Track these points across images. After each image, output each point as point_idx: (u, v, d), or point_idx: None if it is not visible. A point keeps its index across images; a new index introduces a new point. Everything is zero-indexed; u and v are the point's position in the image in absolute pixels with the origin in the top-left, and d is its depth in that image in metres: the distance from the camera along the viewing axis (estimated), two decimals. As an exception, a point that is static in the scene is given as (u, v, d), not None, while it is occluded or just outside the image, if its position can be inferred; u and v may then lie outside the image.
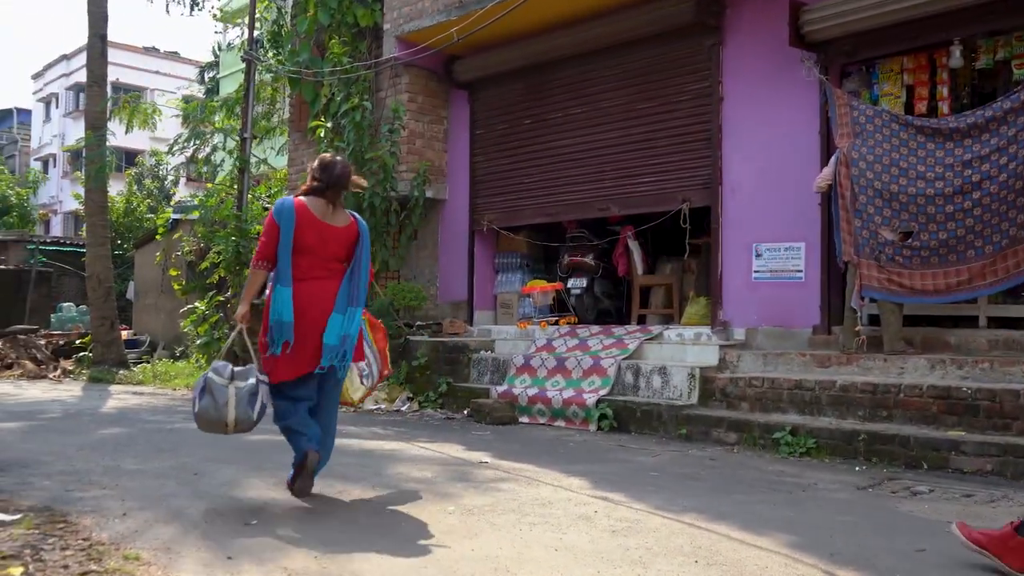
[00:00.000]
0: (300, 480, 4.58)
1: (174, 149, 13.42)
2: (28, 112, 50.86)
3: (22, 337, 14.94)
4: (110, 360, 14.58)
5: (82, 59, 14.37)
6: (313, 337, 4.53)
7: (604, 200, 9.49)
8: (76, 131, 32.70)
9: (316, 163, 4.76)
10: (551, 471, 5.65)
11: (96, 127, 13.55)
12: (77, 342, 15.41)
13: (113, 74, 16.04)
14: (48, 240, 25.62)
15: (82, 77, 15.37)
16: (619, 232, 9.94)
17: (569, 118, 9.84)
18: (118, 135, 26.59)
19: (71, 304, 20.86)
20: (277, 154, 14.41)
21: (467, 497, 4.74)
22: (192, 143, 13.29)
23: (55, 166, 44.25)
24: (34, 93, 48.68)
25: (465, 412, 8.86)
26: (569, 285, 10.08)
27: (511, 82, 10.42)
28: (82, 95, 44.37)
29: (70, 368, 14.08)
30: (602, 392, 8.06)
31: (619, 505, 4.62)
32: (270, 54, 11.95)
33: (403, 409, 9.37)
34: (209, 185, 14.06)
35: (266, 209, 13.67)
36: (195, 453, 6.09)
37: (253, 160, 12.78)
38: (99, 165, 13.04)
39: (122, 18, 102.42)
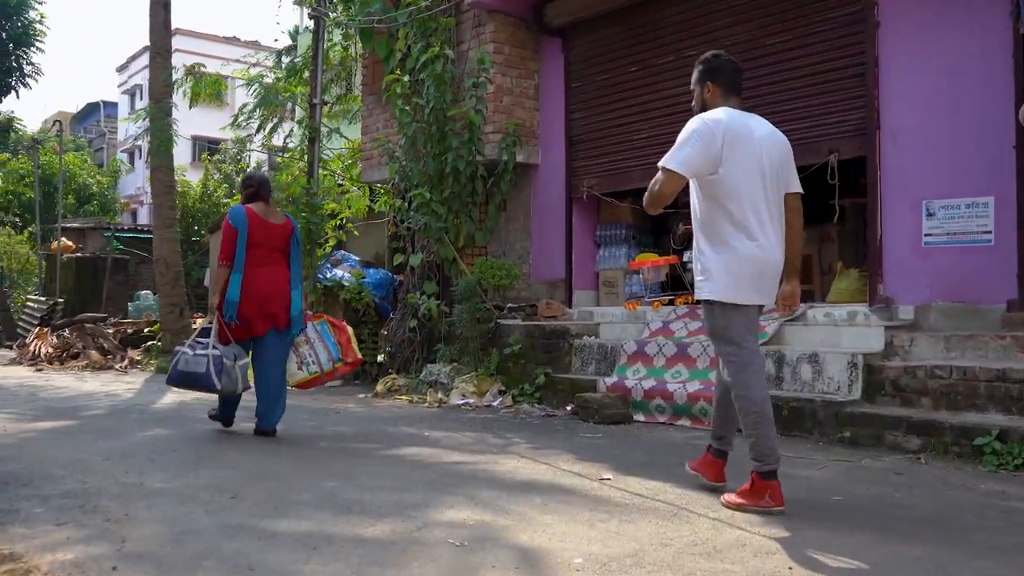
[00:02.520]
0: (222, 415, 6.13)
1: (240, 120, 12.37)
2: (114, 105, 51.29)
3: (89, 326, 14.15)
4: (180, 349, 13.67)
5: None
6: (263, 308, 5.78)
7: (728, 156, 7.99)
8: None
9: (241, 179, 6.34)
10: (697, 493, 4.26)
11: (159, 100, 12.59)
12: (146, 330, 14.57)
13: (194, 63, 15.11)
14: (126, 227, 25.19)
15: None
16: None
17: (683, 61, 8.34)
18: (201, 126, 26.00)
19: (148, 292, 20.18)
20: (350, 123, 13.23)
21: (595, 542, 3.37)
22: (258, 113, 12.19)
23: (140, 157, 44.35)
24: (119, 86, 49.02)
25: (568, 408, 7.52)
26: (686, 258, 8.61)
27: (612, 24, 8.98)
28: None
29: (137, 358, 13.20)
30: (736, 385, 6.60)
31: (820, 555, 3.19)
32: (339, 8, 10.74)
33: (495, 404, 8.07)
34: (280, 160, 12.97)
35: (340, 185, 12.55)
36: (240, 464, 4.88)
37: (324, 130, 11.61)
38: (162, 139, 12.06)
39: (203, 9, 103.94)
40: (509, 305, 9.12)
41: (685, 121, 8.28)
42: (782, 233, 4.06)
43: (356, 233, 12.62)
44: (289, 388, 6.20)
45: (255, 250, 5.74)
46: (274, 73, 12.00)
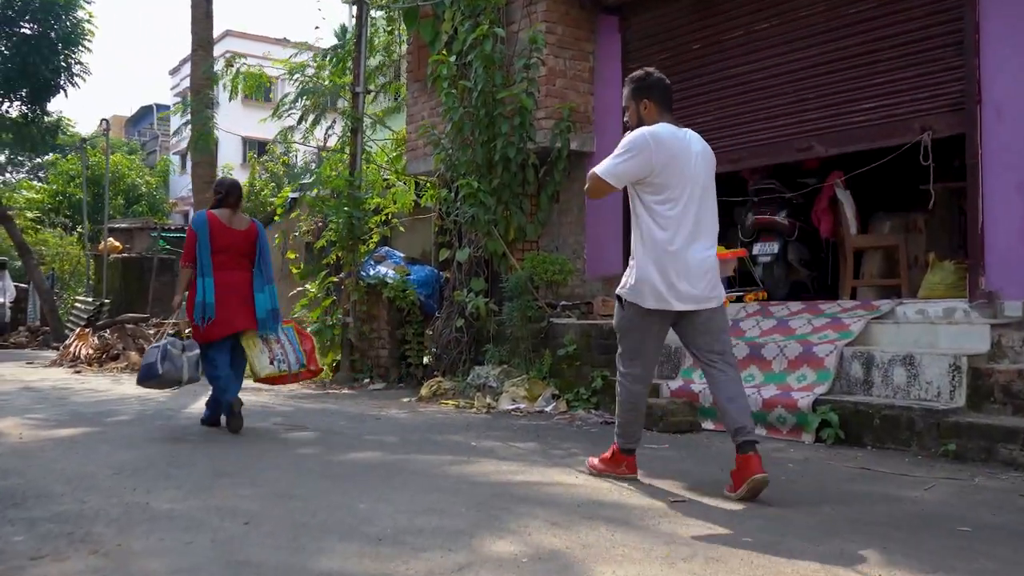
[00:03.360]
0: (232, 422, 5.95)
1: (280, 111, 11.90)
2: (167, 107, 51.55)
3: (130, 327, 13.77)
4: (223, 350, 13.27)
5: (217, 54, 13.29)
6: (230, 311, 5.97)
7: (805, 137, 7.27)
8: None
9: (214, 185, 6.63)
10: (792, 516, 3.59)
11: (199, 92, 12.18)
12: (187, 331, 14.17)
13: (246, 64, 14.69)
14: (172, 227, 25.05)
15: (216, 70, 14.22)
16: (817, 182, 7.71)
17: (753, 36, 7.66)
18: (252, 127, 25.71)
19: (194, 292, 19.90)
20: (395, 110, 12.69)
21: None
22: (300, 103, 11.69)
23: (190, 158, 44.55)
24: (171, 88, 49.29)
25: (628, 415, 6.86)
26: (755, 251, 7.91)
27: (674, -1, 8.32)
28: (216, 87, 44.89)
29: (178, 359, 12.75)
30: (819, 390, 5.91)
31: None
32: (382, -11, 10.20)
33: (548, 410, 7.45)
34: (324, 153, 12.48)
35: (385, 180, 12.03)
36: (262, 480, 4.32)
37: (368, 121, 11.09)
38: (201, 132, 11.65)
39: (253, 11, 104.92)
40: (562, 303, 8.49)
41: (755, 101, 7.57)
42: (712, 241, 4.27)
43: (402, 229, 12.09)
44: (255, 382, 6.48)
45: (219, 255, 6.01)
46: (315, 61, 11.48)
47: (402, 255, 11.20)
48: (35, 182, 36.80)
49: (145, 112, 54.92)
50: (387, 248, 11.38)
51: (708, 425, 6.32)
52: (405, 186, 12.09)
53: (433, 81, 9.34)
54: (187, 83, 44.84)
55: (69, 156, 31.35)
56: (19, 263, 24.14)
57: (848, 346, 6.10)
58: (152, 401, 8.36)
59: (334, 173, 11.07)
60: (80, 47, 21.53)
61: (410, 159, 10.75)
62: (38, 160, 36.82)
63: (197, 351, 5.99)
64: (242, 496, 3.94)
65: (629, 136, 4.20)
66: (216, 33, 14.43)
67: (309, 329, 10.91)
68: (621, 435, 4.43)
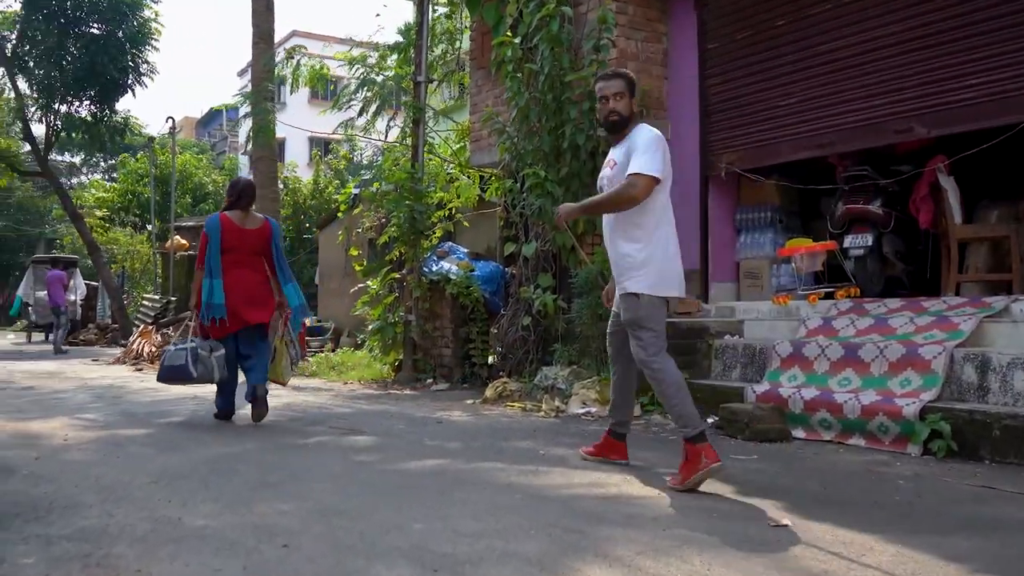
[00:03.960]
0: (256, 411, 6.21)
1: (340, 103, 11.57)
2: (236, 109, 52.20)
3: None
4: (283, 349, 13.02)
5: (280, 53, 13.07)
6: (239, 306, 6.10)
7: (904, 118, 6.64)
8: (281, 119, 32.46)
9: (228, 186, 6.71)
10: (917, 551, 3.04)
11: (260, 85, 11.94)
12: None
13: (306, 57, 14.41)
14: (238, 225, 25.06)
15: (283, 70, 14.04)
16: (913, 168, 7.06)
17: (844, 8, 7.04)
18: (318, 125, 25.66)
19: (260, 290, 19.81)
20: (459, 98, 12.24)
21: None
22: (361, 94, 11.34)
23: (259, 157, 44.88)
24: (239, 90, 49.79)
25: (710, 421, 6.33)
26: (846, 244, 7.29)
27: (756, -27, 7.74)
28: (283, 87, 45.29)
29: (240, 357, 12.54)
30: (926, 396, 5.29)
31: None
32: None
33: (619, 414, 6.94)
34: (385, 145, 12.12)
35: (449, 173, 11.63)
36: (309, 493, 3.91)
37: (430, 112, 10.68)
38: (261, 126, 11.39)
39: (319, 12, 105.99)
40: (635, 300, 7.96)
41: (847, 80, 6.91)
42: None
43: (466, 224, 11.69)
44: (278, 382, 6.69)
45: (229, 254, 6.16)
46: (377, 51, 11.12)
47: (466, 251, 10.79)
48: (107, 182, 37.42)
49: (214, 114, 55.64)
50: (450, 243, 10.98)
51: (799, 433, 5.75)
52: (469, 180, 11.68)
53: (497, 67, 8.89)
54: (255, 83, 45.35)
55: (139, 155, 31.74)
56: (90, 262, 24.40)
57: (958, 347, 5.47)
58: (207, 402, 8.06)
59: (395, 166, 10.72)
60: (147, 46, 21.68)
61: (474, 150, 10.33)
62: (112, 162, 37.46)
63: (223, 351, 6.21)
64: (283, 512, 3.53)
65: (650, 135, 4.33)
66: (283, 34, 14.27)
67: (370, 327, 10.61)
68: (690, 420, 4.20)
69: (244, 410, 6.57)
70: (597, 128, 8.02)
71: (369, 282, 10.78)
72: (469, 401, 8.11)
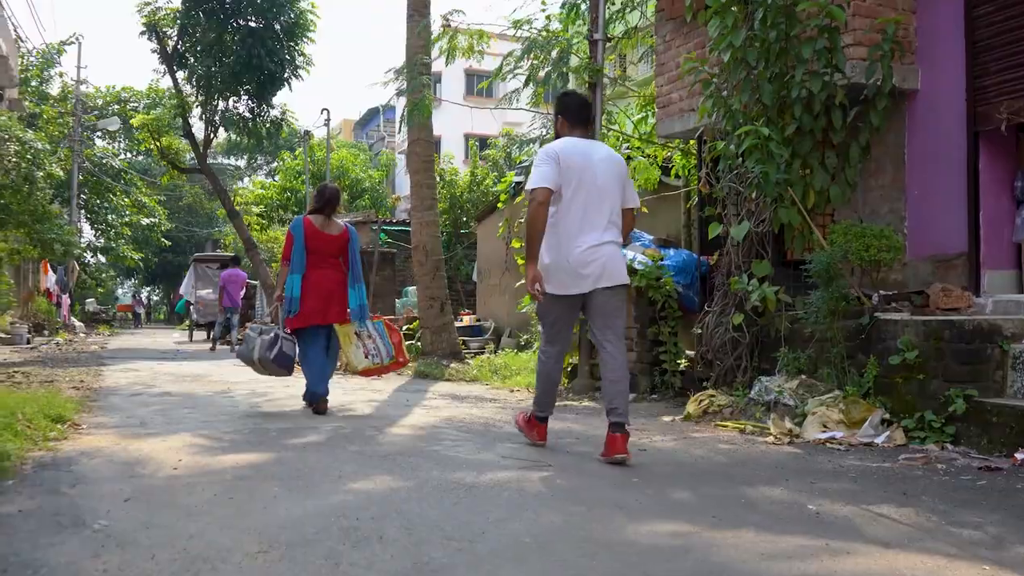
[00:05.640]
0: (316, 407, 6.67)
1: (504, 72, 10.24)
2: (392, 109, 52.33)
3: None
4: (440, 350, 11.85)
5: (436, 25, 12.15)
6: (319, 303, 6.69)
7: None
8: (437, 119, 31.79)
9: (316, 190, 7.24)
10: None
11: (415, 59, 10.77)
12: (405, 328, 12.89)
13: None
14: (393, 221, 24.38)
15: (437, 66, 13.05)
16: None
17: None
18: (474, 124, 24.68)
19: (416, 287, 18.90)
20: (639, 61, 10.68)
21: None
22: (527, 63, 9.94)
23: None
24: (396, 90, 49.78)
25: (1019, 456, 4.57)
26: None
27: None
28: (438, 85, 44.67)
29: (395, 360, 11.45)
30: None
31: None
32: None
33: (878, 442, 5.26)
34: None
35: (625, 152, 10.10)
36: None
37: (607, 77, 9.17)
38: (416, 102, 10.20)
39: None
40: (882, 292, 6.20)
41: None
42: (615, 237, 4.78)
43: (644, 210, 10.13)
44: (355, 373, 7.52)
45: (311, 255, 6.70)
46: (543, 8, 9.71)
47: (651, 237, 9.24)
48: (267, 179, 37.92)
49: (372, 114, 56.09)
50: (634, 230, 9.45)
51: None
52: (648, 159, 10.12)
53: (695, 13, 7.30)
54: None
55: (297, 152, 31.74)
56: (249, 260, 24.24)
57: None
58: (355, 413, 6.85)
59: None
60: (304, 38, 21.15)
61: (661, 118, 8.73)
62: (274, 164, 37.87)
63: (294, 340, 6.80)
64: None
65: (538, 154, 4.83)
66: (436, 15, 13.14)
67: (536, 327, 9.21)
68: (537, 404, 5.06)
69: (403, 422, 5.25)
70: (834, 73, 6.32)
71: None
72: (667, 419, 6.58)
